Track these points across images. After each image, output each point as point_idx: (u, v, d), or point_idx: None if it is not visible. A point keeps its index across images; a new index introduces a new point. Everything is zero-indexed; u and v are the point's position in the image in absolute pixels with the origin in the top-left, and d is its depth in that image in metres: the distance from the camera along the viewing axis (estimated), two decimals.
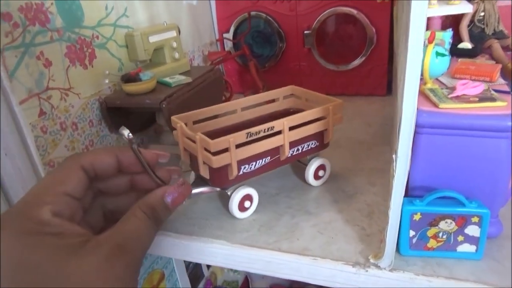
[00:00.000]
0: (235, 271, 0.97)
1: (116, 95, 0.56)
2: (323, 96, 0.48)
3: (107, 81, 0.54)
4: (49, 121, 0.47)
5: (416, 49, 0.25)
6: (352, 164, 0.53)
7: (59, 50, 0.48)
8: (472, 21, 0.57)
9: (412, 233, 0.34)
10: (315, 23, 0.77)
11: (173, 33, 0.63)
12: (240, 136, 0.38)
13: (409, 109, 0.27)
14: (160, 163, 0.36)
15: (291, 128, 0.42)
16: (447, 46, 0.41)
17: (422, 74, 0.33)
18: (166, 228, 0.42)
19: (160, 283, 0.71)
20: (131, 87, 0.53)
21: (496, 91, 0.35)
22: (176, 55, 0.64)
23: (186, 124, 0.42)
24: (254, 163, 0.41)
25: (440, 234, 0.33)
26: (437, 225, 0.33)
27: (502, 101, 0.32)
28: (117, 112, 0.56)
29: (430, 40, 0.36)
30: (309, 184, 0.48)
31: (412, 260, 0.34)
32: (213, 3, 0.86)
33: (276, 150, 0.42)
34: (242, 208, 0.42)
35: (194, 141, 0.39)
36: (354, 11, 0.73)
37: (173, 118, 0.43)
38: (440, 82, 0.40)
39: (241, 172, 0.41)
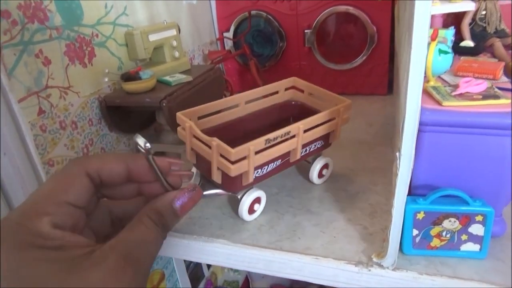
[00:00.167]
0: (236, 271, 0.96)
1: (116, 94, 0.55)
2: (329, 94, 0.47)
3: (106, 79, 0.54)
4: (49, 120, 0.46)
5: (420, 46, 0.25)
6: (354, 163, 0.52)
7: (58, 49, 0.48)
8: (473, 20, 0.57)
9: (415, 232, 0.33)
10: (315, 22, 0.77)
11: (173, 32, 0.63)
12: (259, 143, 0.37)
13: (413, 106, 0.27)
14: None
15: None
16: (449, 44, 0.41)
17: (425, 72, 0.33)
18: None
19: (160, 283, 0.71)
20: (131, 86, 0.52)
21: (499, 88, 0.34)
22: (176, 54, 0.63)
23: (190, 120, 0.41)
24: (266, 166, 0.40)
25: (444, 233, 0.33)
26: (440, 224, 0.33)
27: (506, 99, 0.31)
28: (116, 111, 0.55)
29: (433, 37, 0.36)
30: (311, 183, 0.48)
31: (415, 259, 0.34)
32: (213, 2, 0.85)
33: (287, 153, 0.41)
34: (251, 210, 0.42)
35: (205, 144, 0.37)
36: (355, 10, 0.73)
37: (180, 115, 0.41)
38: (443, 80, 0.39)
39: (254, 176, 0.39)
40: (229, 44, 0.87)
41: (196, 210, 0.45)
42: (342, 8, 0.74)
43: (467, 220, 0.32)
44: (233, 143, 0.36)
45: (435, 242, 0.34)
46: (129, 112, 0.58)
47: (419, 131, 0.31)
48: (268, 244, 0.38)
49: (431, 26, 0.51)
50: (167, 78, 0.57)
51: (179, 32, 0.65)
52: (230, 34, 0.85)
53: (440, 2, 0.47)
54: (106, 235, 0.31)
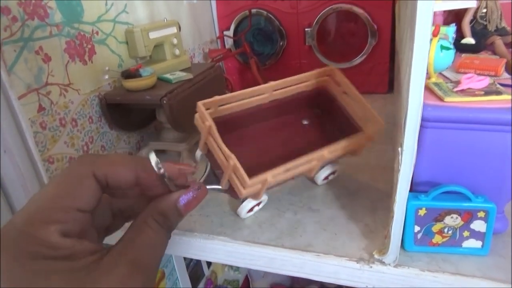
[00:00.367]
0: (236, 270, 0.96)
1: (116, 92, 0.55)
2: (367, 107, 0.43)
3: (106, 77, 0.54)
4: (48, 117, 0.46)
5: (422, 39, 0.25)
6: (354, 161, 0.52)
7: (58, 45, 0.48)
8: (474, 18, 0.56)
9: (417, 228, 0.33)
10: (316, 20, 0.77)
11: (174, 30, 0.63)
12: (278, 173, 0.36)
13: (415, 101, 0.27)
14: (169, 159, 0.33)
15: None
16: (451, 41, 0.41)
17: (426, 68, 0.33)
18: None
19: (160, 282, 0.71)
20: (131, 83, 0.52)
21: (501, 85, 0.34)
22: (177, 52, 0.63)
23: (208, 109, 0.39)
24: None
25: (446, 230, 0.33)
26: (442, 220, 0.33)
27: (508, 95, 0.31)
28: (117, 108, 0.55)
29: (435, 33, 0.35)
30: (312, 181, 0.47)
31: (417, 256, 0.34)
32: (213, 1, 0.85)
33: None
34: (250, 210, 0.41)
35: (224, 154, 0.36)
36: (355, 9, 0.73)
37: (200, 105, 0.37)
38: (445, 76, 0.39)
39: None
40: (229, 42, 0.87)
41: (197, 208, 0.44)
42: (343, 6, 0.74)
43: (469, 216, 0.32)
44: (253, 136, 0.34)
45: (437, 238, 0.33)
46: (129, 110, 0.58)
47: (421, 127, 0.31)
48: (269, 242, 0.38)
49: (432, 24, 0.50)
50: (168, 75, 0.57)
51: (180, 30, 0.65)
52: (230, 33, 0.85)
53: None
54: (107, 227, 0.31)
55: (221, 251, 0.39)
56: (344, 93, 0.46)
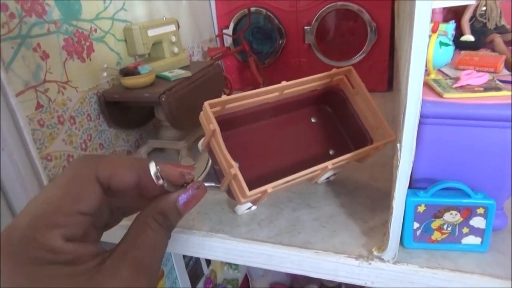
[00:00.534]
0: (235, 269, 0.96)
1: (115, 89, 0.55)
2: (381, 120, 0.42)
3: (105, 74, 0.54)
4: (46, 114, 0.46)
5: (421, 33, 0.24)
6: None
7: (56, 43, 0.47)
8: (473, 16, 0.56)
9: (416, 225, 0.33)
10: (315, 18, 0.77)
11: (172, 27, 0.63)
12: (279, 184, 0.35)
13: (414, 95, 0.27)
14: (168, 157, 0.32)
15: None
16: (450, 38, 0.40)
17: (425, 65, 0.33)
18: None
19: (160, 281, 0.71)
20: (129, 81, 0.52)
21: (500, 81, 0.34)
22: (175, 50, 0.63)
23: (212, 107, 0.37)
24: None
25: (445, 226, 0.33)
26: (441, 217, 0.33)
27: (507, 91, 0.31)
28: (115, 106, 0.55)
29: (434, 29, 0.35)
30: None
31: (416, 253, 0.34)
32: (212, 0, 0.85)
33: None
34: (247, 208, 0.41)
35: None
36: (355, 7, 0.73)
37: (206, 105, 0.36)
38: (444, 73, 0.39)
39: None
40: (228, 41, 0.87)
41: (196, 205, 0.44)
42: (342, 4, 0.74)
43: (468, 213, 0.32)
44: (257, 135, 0.33)
45: (436, 235, 0.33)
46: (128, 107, 0.57)
47: (420, 123, 0.31)
48: (268, 239, 0.38)
49: (431, 21, 0.50)
50: (166, 73, 0.57)
51: (178, 28, 0.65)
52: (229, 31, 0.84)
53: None
54: (106, 223, 0.31)
55: (219, 248, 0.39)
56: (356, 95, 0.45)
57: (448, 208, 0.32)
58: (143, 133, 0.65)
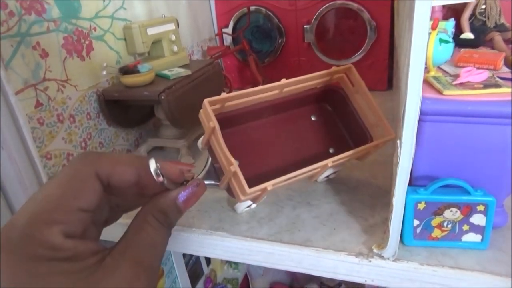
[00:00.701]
0: (235, 268, 0.96)
1: (114, 88, 0.55)
2: (381, 117, 0.42)
3: (104, 73, 0.54)
4: (46, 113, 0.46)
5: (421, 29, 0.24)
6: None
7: (55, 41, 0.47)
8: (473, 14, 0.56)
9: (416, 222, 0.33)
10: (314, 17, 0.77)
11: (172, 26, 0.63)
12: (279, 181, 0.35)
13: (414, 90, 0.27)
14: (168, 156, 0.32)
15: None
16: (450, 35, 0.40)
17: (425, 62, 0.33)
18: None
19: (159, 280, 0.71)
20: (129, 79, 0.52)
21: (500, 78, 0.34)
22: (175, 48, 0.63)
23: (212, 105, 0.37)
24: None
25: (445, 224, 0.33)
26: (441, 214, 0.32)
27: (507, 88, 0.31)
28: (115, 105, 0.55)
29: (434, 27, 0.35)
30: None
31: (416, 250, 0.34)
32: None
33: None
34: (247, 206, 0.41)
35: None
36: (354, 5, 0.73)
37: (206, 103, 0.36)
38: (444, 70, 0.39)
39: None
40: (228, 40, 0.86)
41: (195, 203, 0.44)
42: (342, 3, 0.74)
43: (468, 210, 0.32)
44: (256, 132, 0.33)
45: (436, 232, 0.33)
46: (127, 106, 0.57)
47: (420, 120, 0.31)
48: (268, 237, 0.38)
49: (431, 19, 0.51)
50: (166, 72, 0.57)
51: (178, 27, 0.65)
52: (229, 30, 0.84)
53: None
54: (105, 220, 0.31)
55: (219, 246, 0.39)
56: (356, 93, 0.45)
57: (448, 205, 0.32)
58: (142, 132, 0.65)
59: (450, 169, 0.33)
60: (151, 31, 0.59)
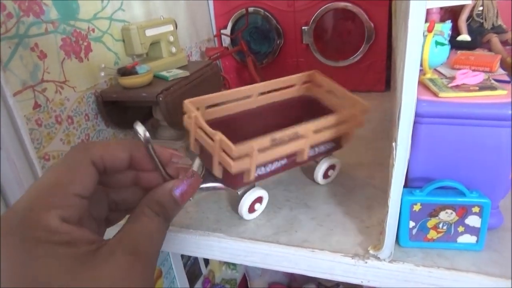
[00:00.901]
0: (233, 269, 0.96)
1: (113, 89, 0.55)
2: (348, 94, 0.44)
3: (103, 74, 0.54)
4: (44, 114, 0.46)
5: (416, 30, 0.25)
6: (351, 158, 0.52)
7: (54, 43, 0.47)
8: (470, 16, 0.57)
9: (412, 224, 0.33)
10: (313, 19, 0.77)
11: (170, 27, 0.63)
12: (264, 142, 0.36)
13: (409, 93, 0.27)
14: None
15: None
16: (446, 37, 0.41)
17: (421, 64, 0.33)
18: None
19: (158, 281, 0.71)
20: (127, 80, 0.52)
21: (496, 80, 0.34)
22: (173, 50, 0.63)
23: (197, 109, 0.40)
24: (270, 165, 0.39)
25: (441, 225, 0.33)
26: (437, 216, 0.33)
27: (502, 90, 0.31)
28: (113, 106, 0.55)
29: (430, 29, 0.35)
30: (308, 178, 0.47)
31: (412, 252, 0.34)
32: (210, 0, 0.85)
33: (294, 152, 0.40)
34: (251, 209, 0.41)
35: (210, 137, 0.36)
36: (352, 7, 0.73)
37: (187, 103, 0.39)
38: (440, 72, 0.39)
39: (256, 174, 0.38)
40: (226, 41, 0.87)
41: (193, 205, 0.44)
42: (340, 4, 0.74)
43: (463, 211, 0.32)
44: (240, 138, 0.34)
45: (432, 234, 0.33)
46: (125, 107, 0.58)
47: (416, 123, 0.31)
48: (265, 238, 0.38)
49: (427, 21, 0.51)
50: (164, 73, 0.57)
51: (176, 28, 0.65)
52: (227, 31, 0.85)
53: None
54: (105, 218, 0.31)
55: (216, 247, 0.39)
56: (328, 92, 0.47)
57: (443, 207, 0.32)
58: None
59: (445, 171, 0.33)
60: (149, 32, 0.59)
